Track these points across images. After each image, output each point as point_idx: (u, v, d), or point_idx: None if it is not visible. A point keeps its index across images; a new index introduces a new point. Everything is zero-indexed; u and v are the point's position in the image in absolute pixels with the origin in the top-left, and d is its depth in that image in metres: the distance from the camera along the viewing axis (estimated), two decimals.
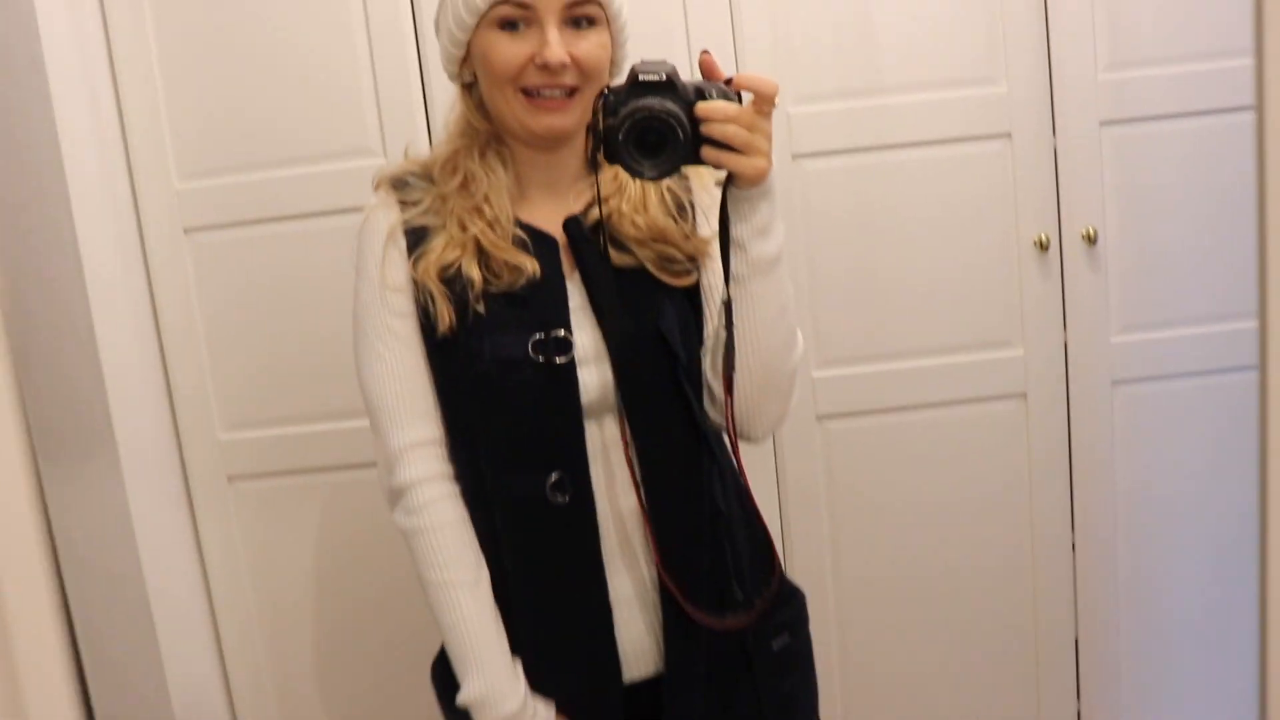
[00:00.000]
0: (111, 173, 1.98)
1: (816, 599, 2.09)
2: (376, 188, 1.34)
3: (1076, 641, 2.15)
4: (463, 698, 1.25)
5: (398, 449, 1.27)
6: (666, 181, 1.27)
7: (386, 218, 1.29)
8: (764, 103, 1.13)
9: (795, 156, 1.99)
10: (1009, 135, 1.99)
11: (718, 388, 1.24)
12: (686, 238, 1.28)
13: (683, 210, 1.30)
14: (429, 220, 1.28)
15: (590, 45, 1.23)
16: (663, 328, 1.25)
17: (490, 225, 1.25)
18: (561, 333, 1.24)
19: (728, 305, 1.20)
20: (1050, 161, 2.00)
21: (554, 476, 1.25)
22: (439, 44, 1.32)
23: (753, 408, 1.25)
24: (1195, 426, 2.07)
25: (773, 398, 1.25)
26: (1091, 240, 1.99)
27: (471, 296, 1.23)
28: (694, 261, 1.28)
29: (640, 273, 1.27)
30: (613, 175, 1.27)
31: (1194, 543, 2.11)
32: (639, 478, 1.25)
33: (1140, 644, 2.15)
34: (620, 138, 1.13)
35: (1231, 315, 2.02)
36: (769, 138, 1.14)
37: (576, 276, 1.27)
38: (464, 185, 1.28)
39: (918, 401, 2.07)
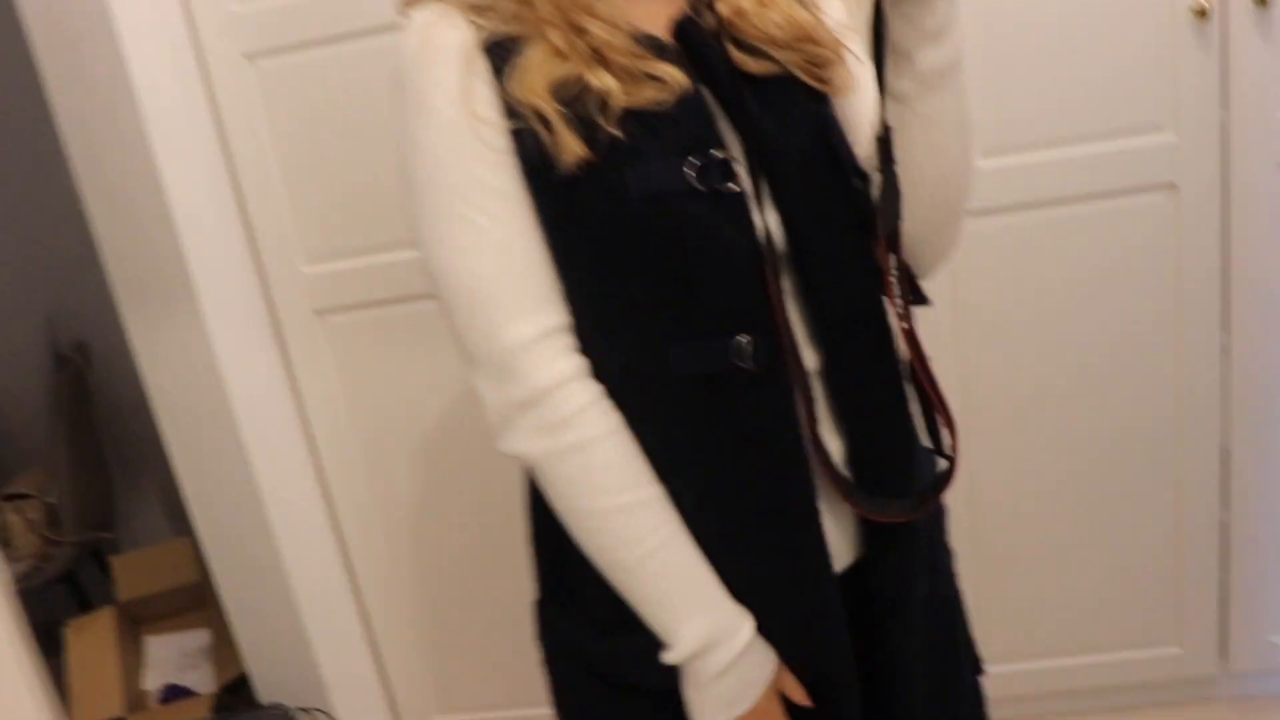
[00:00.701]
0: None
1: None
2: (411, 6, 0.98)
3: (1227, 450, 1.97)
4: (686, 649, 0.97)
5: (519, 344, 0.95)
6: None
7: (455, 35, 0.95)
8: None
9: None
10: None
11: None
12: (830, 36, 1.01)
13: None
14: (513, 29, 0.95)
15: None
16: (832, 141, 0.99)
17: (607, 28, 0.94)
18: (721, 154, 0.94)
19: (884, 139, 0.94)
20: None
21: (743, 340, 0.95)
22: None
23: (921, 248, 1.02)
24: None
25: (945, 231, 1.03)
26: (1263, 2, 1.71)
27: (603, 119, 0.92)
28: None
29: (786, 83, 0.98)
30: None
31: None
32: (820, 336, 0.99)
33: None
34: None
35: None
36: None
37: (704, 91, 0.97)
38: None
39: (1050, 196, 1.85)
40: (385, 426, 2.11)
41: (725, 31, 0.98)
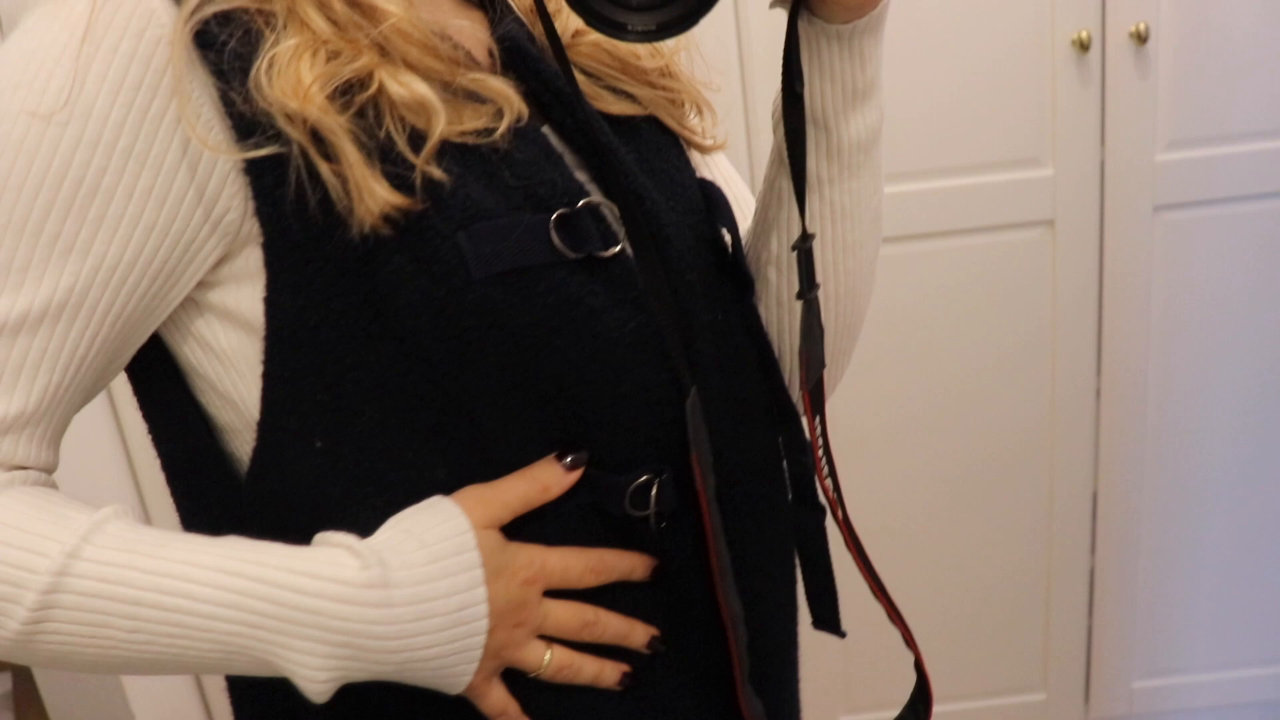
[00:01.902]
0: None
1: None
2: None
3: (1095, 495, 1.94)
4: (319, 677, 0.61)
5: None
6: None
7: (148, 10, 0.58)
8: None
9: None
10: None
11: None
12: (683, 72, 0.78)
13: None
14: (244, 1, 0.60)
15: None
16: (717, 212, 0.75)
17: (403, 16, 0.63)
18: (596, 200, 0.66)
19: (807, 248, 0.69)
20: None
21: (643, 477, 0.68)
22: None
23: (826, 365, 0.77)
24: (1243, 258, 1.81)
25: (844, 358, 0.82)
26: (1141, 39, 1.67)
27: (413, 151, 0.60)
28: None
29: (651, 127, 0.74)
30: None
31: (1227, 391, 1.87)
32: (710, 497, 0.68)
33: (1163, 504, 1.94)
34: None
35: None
36: None
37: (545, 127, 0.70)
38: None
39: (925, 229, 1.79)
40: None
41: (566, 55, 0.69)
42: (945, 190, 1.77)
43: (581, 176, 0.68)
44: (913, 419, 1.89)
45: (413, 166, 0.59)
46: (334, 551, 0.62)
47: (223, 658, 0.60)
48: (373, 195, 0.58)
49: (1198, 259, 1.81)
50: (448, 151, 0.61)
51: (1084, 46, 1.69)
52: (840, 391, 1.85)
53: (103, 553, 0.59)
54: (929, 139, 1.74)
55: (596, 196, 0.66)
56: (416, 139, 0.60)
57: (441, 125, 0.60)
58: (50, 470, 0.65)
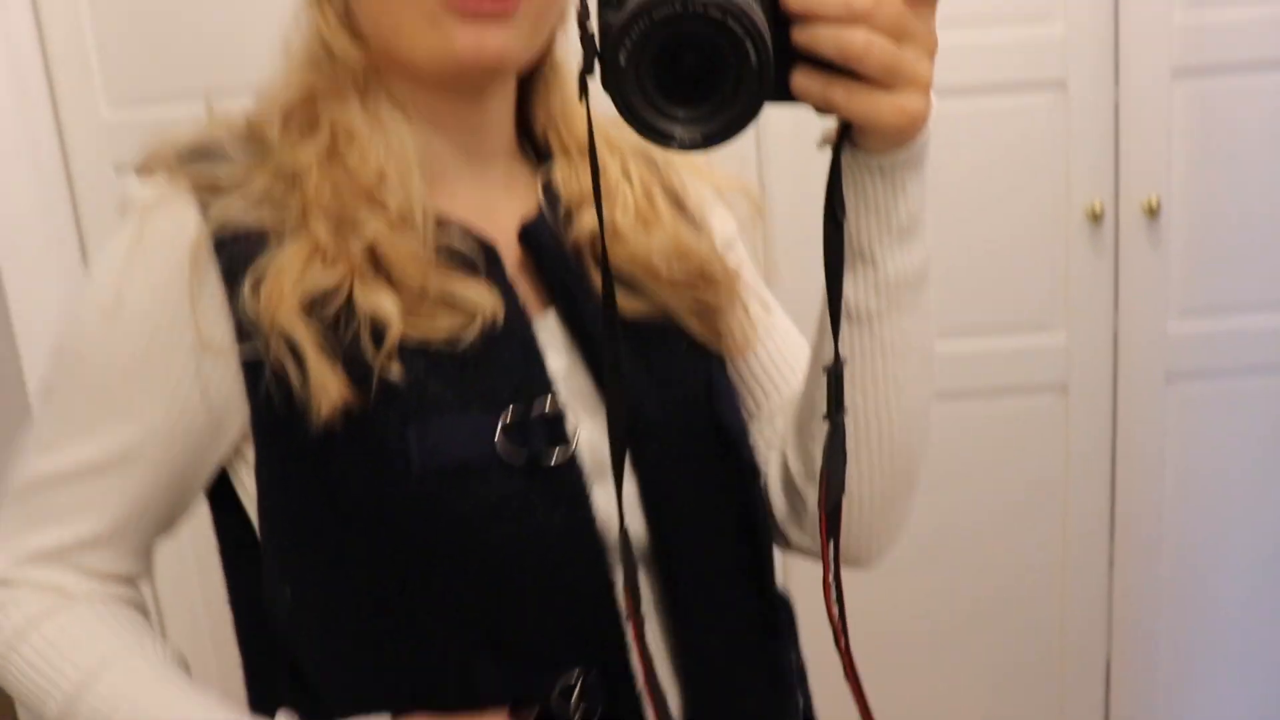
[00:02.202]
0: (30, 101, 1.75)
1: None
2: (146, 171, 0.73)
3: (1108, 661, 1.91)
4: None
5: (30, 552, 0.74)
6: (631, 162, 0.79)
7: (180, 223, 0.69)
8: None
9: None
10: (1063, 84, 1.70)
11: (805, 489, 0.78)
12: (726, 271, 0.80)
13: (684, 210, 0.82)
14: (263, 215, 0.69)
15: None
16: (720, 413, 0.77)
17: (395, 223, 0.70)
18: (548, 405, 0.71)
19: (836, 374, 0.68)
20: (1110, 117, 1.71)
21: (572, 677, 0.71)
22: None
23: (875, 521, 0.77)
24: (1253, 429, 1.81)
25: (903, 501, 0.79)
26: (1153, 212, 1.70)
27: (376, 353, 0.67)
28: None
29: (666, 330, 0.77)
30: (588, 165, 0.73)
31: (1242, 561, 1.86)
32: (684, 677, 0.74)
33: (1177, 667, 1.91)
34: (625, 59, 0.56)
35: None
36: (931, 51, 0.61)
37: (551, 318, 0.75)
38: (333, 151, 0.71)
39: (944, 389, 1.79)
40: None
41: (591, 251, 0.75)
42: (960, 352, 1.78)
43: (575, 368, 0.74)
44: (925, 560, 1.88)
45: (369, 365, 0.67)
46: None
47: None
48: (326, 393, 0.66)
49: (1210, 429, 1.80)
50: (412, 351, 0.68)
51: (1097, 217, 1.72)
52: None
53: (108, 689, 0.72)
54: (946, 301, 1.75)
55: (550, 402, 0.71)
56: (380, 341, 0.67)
57: (396, 334, 0.67)
58: (135, 576, 0.78)
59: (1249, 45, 1.67)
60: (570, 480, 0.70)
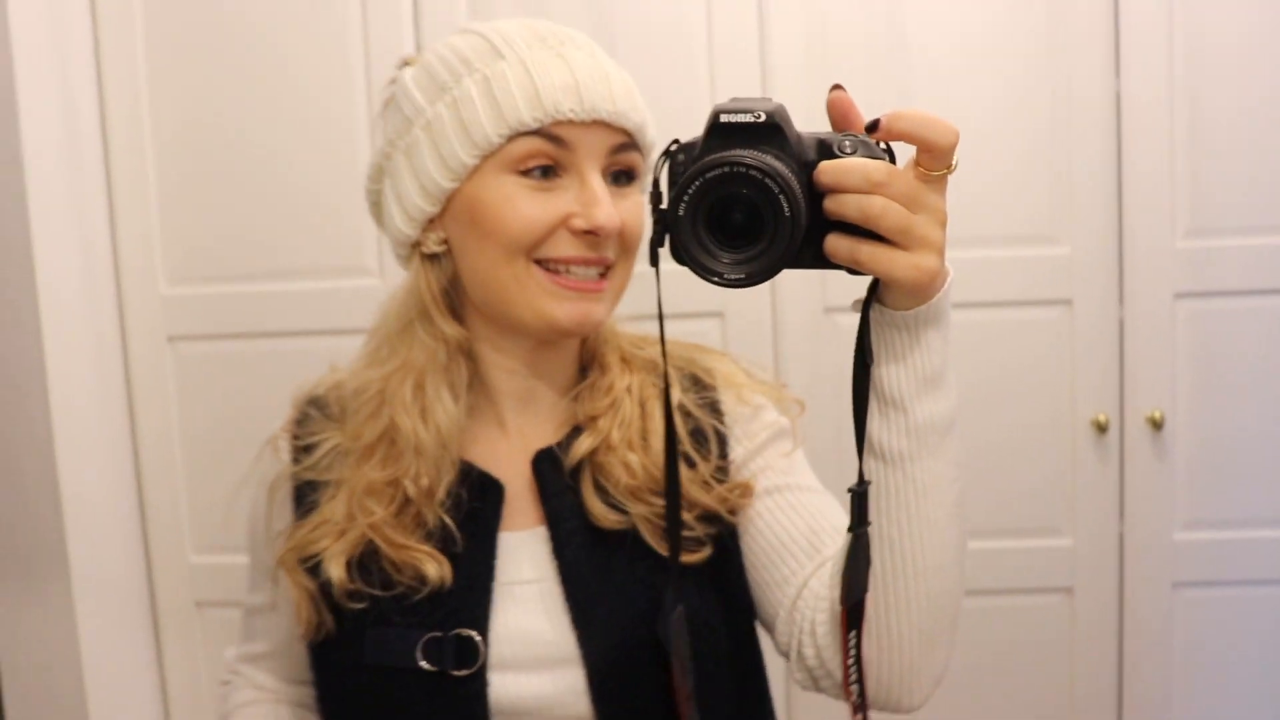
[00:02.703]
0: (94, 273, 1.86)
1: None
2: (293, 407, 1.02)
3: None
4: None
5: (227, 660, 1.09)
6: (681, 398, 0.93)
7: (273, 465, 0.99)
8: (935, 160, 0.68)
9: (828, 310, 1.80)
10: (1069, 302, 1.78)
11: (823, 627, 0.85)
12: (707, 484, 0.91)
13: (703, 442, 0.93)
14: (320, 475, 0.94)
15: (634, 207, 0.88)
16: (661, 636, 0.87)
17: (401, 508, 0.90)
18: (469, 633, 0.88)
19: (859, 495, 0.78)
20: (1115, 334, 1.79)
21: None
22: (388, 194, 0.92)
23: (914, 662, 0.81)
24: (1261, 640, 1.83)
25: (940, 644, 0.83)
26: (1158, 425, 1.77)
27: (336, 592, 0.90)
28: (718, 520, 0.92)
29: (635, 539, 0.90)
30: (606, 387, 0.94)
31: None
32: None
33: None
34: (683, 210, 0.67)
35: None
36: (942, 220, 0.70)
37: (543, 533, 0.91)
38: (385, 439, 0.92)
39: None
40: None
41: (589, 465, 0.91)
42: (969, 552, 1.83)
43: (547, 575, 0.90)
44: None
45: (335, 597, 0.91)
46: None
47: None
48: (300, 620, 0.92)
49: (1216, 636, 1.83)
50: (389, 576, 0.90)
51: (1102, 429, 1.78)
52: None
53: None
54: None
55: (471, 630, 0.88)
56: (337, 590, 0.90)
57: (342, 588, 0.90)
58: (279, 696, 1.05)
59: (1246, 272, 1.76)
60: (469, 689, 0.88)
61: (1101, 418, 1.78)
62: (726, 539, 0.92)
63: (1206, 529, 1.81)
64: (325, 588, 0.90)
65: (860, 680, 0.80)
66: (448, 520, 0.90)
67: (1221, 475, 1.80)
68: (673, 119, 0.85)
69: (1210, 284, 1.76)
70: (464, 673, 0.87)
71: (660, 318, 0.85)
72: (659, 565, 0.89)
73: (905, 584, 0.79)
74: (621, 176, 0.88)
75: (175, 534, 1.95)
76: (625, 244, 0.88)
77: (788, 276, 0.71)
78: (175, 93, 1.86)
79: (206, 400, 1.92)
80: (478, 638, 0.88)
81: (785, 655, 0.90)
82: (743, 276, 0.68)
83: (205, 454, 1.93)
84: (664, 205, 0.70)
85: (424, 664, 0.87)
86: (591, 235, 0.84)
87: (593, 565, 0.90)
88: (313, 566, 0.91)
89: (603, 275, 0.87)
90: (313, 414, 0.98)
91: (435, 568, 0.88)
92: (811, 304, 1.79)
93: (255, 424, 1.84)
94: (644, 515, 0.90)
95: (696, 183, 0.67)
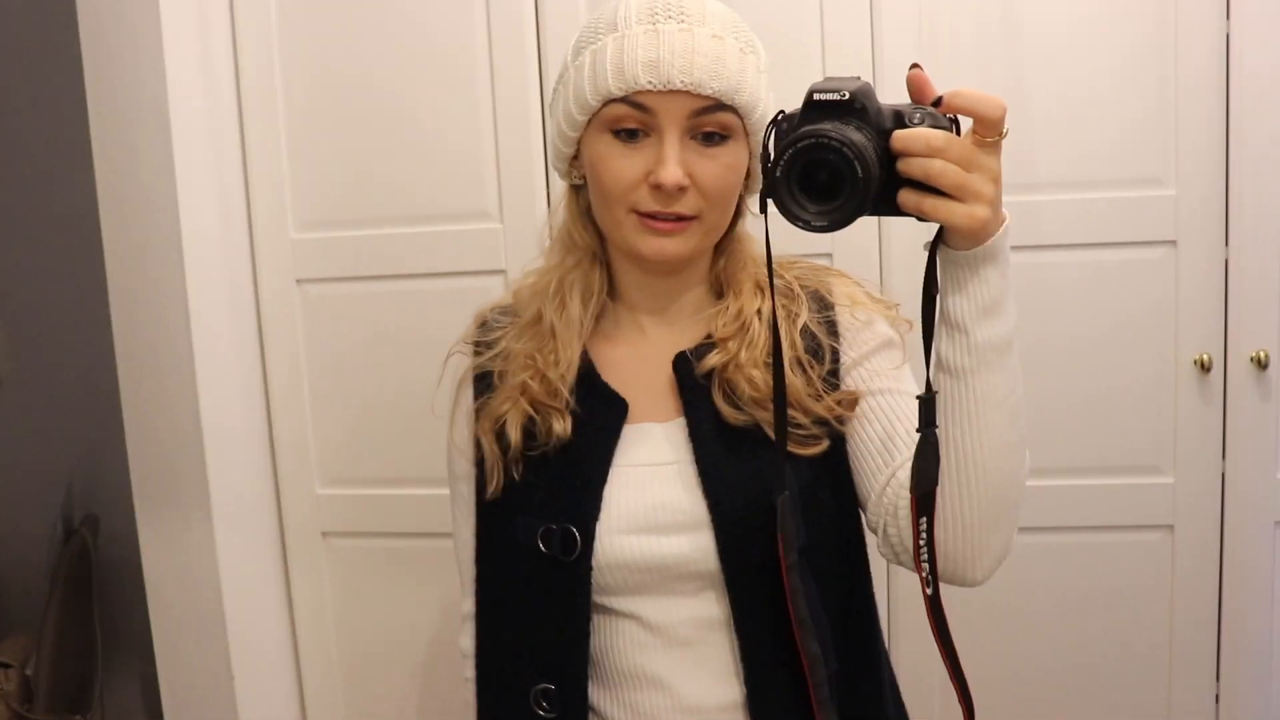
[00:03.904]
0: (229, 219, 1.97)
1: None
2: (477, 324, 1.23)
3: None
4: None
5: (465, 614, 1.22)
6: (805, 318, 1.09)
7: (460, 363, 1.21)
8: (987, 129, 0.83)
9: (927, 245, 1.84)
10: (1174, 243, 1.80)
11: (904, 511, 0.99)
12: (819, 396, 1.07)
13: (818, 355, 1.09)
14: (497, 365, 1.16)
15: (717, 167, 1.03)
16: (777, 503, 1.02)
17: (540, 373, 1.11)
18: (570, 528, 1.08)
19: (928, 401, 0.92)
20: (1220, 274, 1.80)
21: (540, 687, 1.11)
22: (550, 131, 1.13)
23: (977, 543, 0.96)
24: None
25: (1001, 526, 0.97)
26: (1262, 365, 1.78)
27: (508, 459, 1.12)
28: (828, 423, 1.08)
29: (758, 434, 1.07)
30: (736, 311, 1.10)
31: None
32: (743, 672, 1.08)
33: None
34: (780, 172, 0.85)
35: None
36: (995, 178, 0.84)
37: (681, 423, 1.09)
38: (535, 321, 1.15)
39: (1052, 523, 1.89)
40: (372, 656, 2.11)
41: (719, 374, 1.09)
42: (1068, 489, 1.87)
43: (684, 458, 1.08)
44: (1028, 699, 1.95)
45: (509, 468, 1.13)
46: None
47: None
48: (491, 482, 1.13)
49: None
50: (533, 459, 1.11)
51: (1205, 368, 1.80)
52: (979, 635, 1.93)
53: None
54: (1061, 438, 1.86)
55: (572, 524, 1.08)
56: (511, 452, 1.12)
57: (517, 449, 1.11)
58: None
59: None
60: (573, 573, 1.08)
61: (1205, 357, 1.80)
62: (836, 437, 1.08)
63: None
64: (506, 451, 1.11)
65: (931, 559, 0.94)
66: (565, 392, 1.11)
67: None
68: (787, 105, 0.93)
69: None
70: (567, 558, 1.08)
71: (768, 252, 1.01)
72: (770, 456, 1.05)
73: (968, 477, 0.93)
74: (713, 137, 1.03)
75: (303, 467, 2.06)
76: (707, 196, 1.03)
77: (890, 220, 0.86)
78: (305, 40, 1.95)
79: (332, 340, 2.02)
80: (576, 533, 1.07)
81: (874, 531, 1.07)
82: (825, 224, 0.85)
83: (331, 391, 2.04)
84: (770, 164, 0.87)
85: (542, 547, 1.09)
86: (659, 189, 1.01)
87: (722, 449, 1.08)
88: (499, 431, 1.12)
89: (679, 219, 1.03)
90: (495, 319, 1.20)
91: (560, 424, 1.09)
92: (915, 241, 1.84)
93: (378, 363, 1.97)
94: (766, 419, 1.07)
95: (790, 150, 0.84)
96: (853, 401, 1.08)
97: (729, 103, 1.02)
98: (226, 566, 1.96)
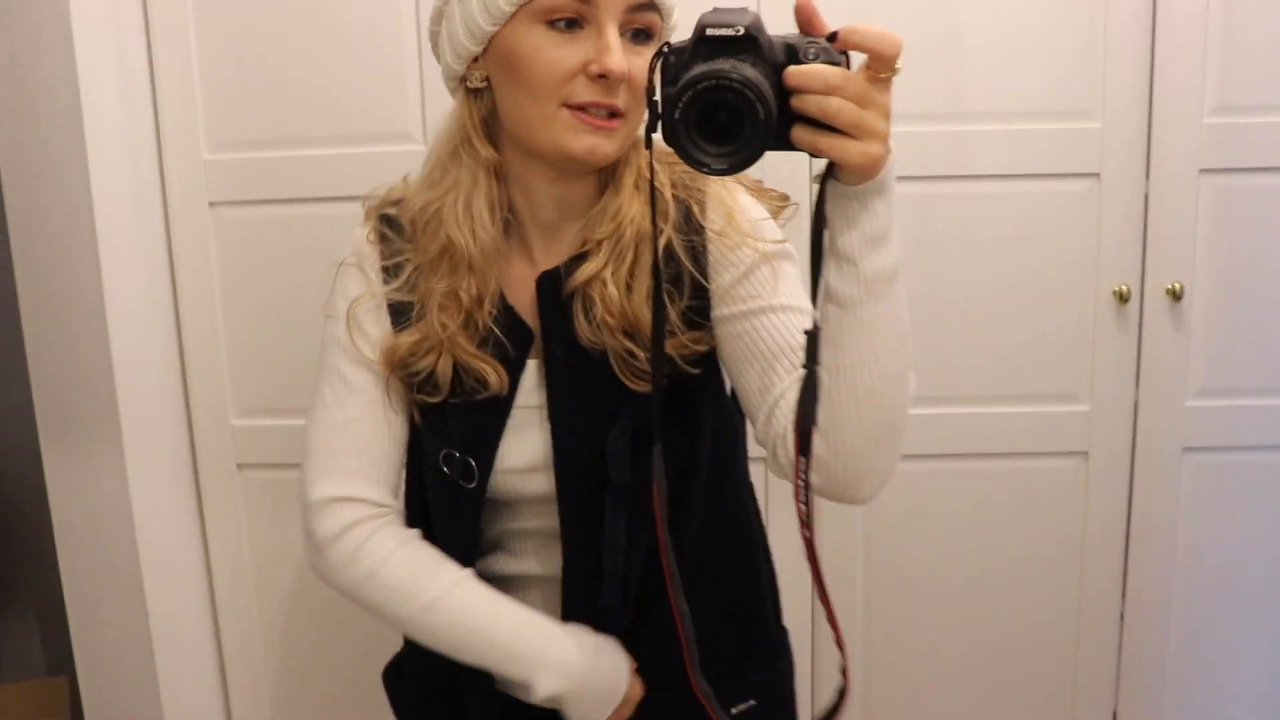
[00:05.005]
0: (138, 140, 1.88)
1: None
2: (366, 218, 1.19)
3: (1114, 715, 2.03)
4: (543, 693, 1.11)
5: (319, 500, 1.13)
6: (669, 235, 1.08)
7: (362, 283, 1.16)
8: (881, 66, 0.83)
9: None
10: (1097, 176, 1.84)
11: (824, 427, 0.99)
12: (672, 333, 1.08)
13: (678, 284, 1.09)
14: (407, 297, 1.13)
15: (645, 64, 0.98)
16: (607, 444, 1.10)
17: (468, 317, 1.10)
18: (459, 455, 1.13)
19: (812, 336, 0.93)
20: (1140, 208, 1.85)
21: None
22: (443, 34, 1.09)
23: (864, 463, 0.98)
24: (1264, 502, 1.94)
25: (886, 449, 1.00)
26: (1176, 296, 1.84)
27: (428, 389, 1.13)
28: (674, 363, 1.09)
29: (600, 361, 1.09)
30: (615, 211, 1.09)
31: (1253, 628, 1.98)
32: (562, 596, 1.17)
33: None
34: (678, 115, 0.82)
35: None
36: (887, 114, 0.84)
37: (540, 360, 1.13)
38: (445, 253, 1.11)
39: (971, 450, 1.94)
40: (289, 590, 2.08)
41: (583, 292, 1.09)
42: (987, 416, 1.92)
43: (538, 384, 1.13)
44: (955, 597, 2.03)
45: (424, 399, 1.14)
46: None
47: (496, 661, 1.12)
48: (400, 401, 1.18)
49: (1223, 500, 1.93)
50: (450, 402, 1.12)
51: (1124, 299, 1.85)
52: (881, 606, 1.96)
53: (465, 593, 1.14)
54: (980, 369, 1.90)
55: (469, 456, 1.13)
56: (439, 390, 1.13)
57: (445, 387, 1.12)
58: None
59: (1271, 149, 1.81)
60: (470, 497, 1.14)
61: (1123, 288, 1.85)
62: (685, 374, 1.10)
63: (1218, 397, 1.90)
64: (422, 392, 1.13)
65: (808, 501, 0.95)
66: (495, 329, 1.10)
67: (1235, 346, 1.88)
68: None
69: (1235, 160, 1.82)
70: (469, 485, 1.14)
71: (652, 190, 1.02)
72: (619, 391, 1.09)
73: (857, 402, 0.95)
74: (640, 34, 1.04)
75: (217, 398, 2.00)
76: (635, 92, 1.02)
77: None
78: None
79: (246, 265, 1.95)
80: (473, 463, 1.13)
81: (765, 447, 1.05)
82: (725, 167, 0.84)
83: (246, 318, 1.97)
84: (656, 98, 0.86)
85: (445, 469, 1.13)
86: (603, 79, 1.00)
87: (572, 386, 1.11)
88: (410, 375, 1.12)
89: (612, 116, 1.02)
90: (390, 235, 1.16)
91: (496, 378, 1.11)
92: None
93: (295, 289, 1.91)
94: (615, 349, 1.08)
95: (689, 93, 0.82)
96: (703, 339, 1.10)
97: (657, 2, 1.04)
98: (139, 502, 1.89)
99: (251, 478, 2.03)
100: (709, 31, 0.84)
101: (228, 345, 1.98)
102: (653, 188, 1.01)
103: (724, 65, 0.82)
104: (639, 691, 1.18)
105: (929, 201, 1.85)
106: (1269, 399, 1.89)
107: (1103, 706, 2.02)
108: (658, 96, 0.87)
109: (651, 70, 0.89)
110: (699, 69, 0.82)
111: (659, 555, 1.01)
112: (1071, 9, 1.80)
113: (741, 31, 0.84)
